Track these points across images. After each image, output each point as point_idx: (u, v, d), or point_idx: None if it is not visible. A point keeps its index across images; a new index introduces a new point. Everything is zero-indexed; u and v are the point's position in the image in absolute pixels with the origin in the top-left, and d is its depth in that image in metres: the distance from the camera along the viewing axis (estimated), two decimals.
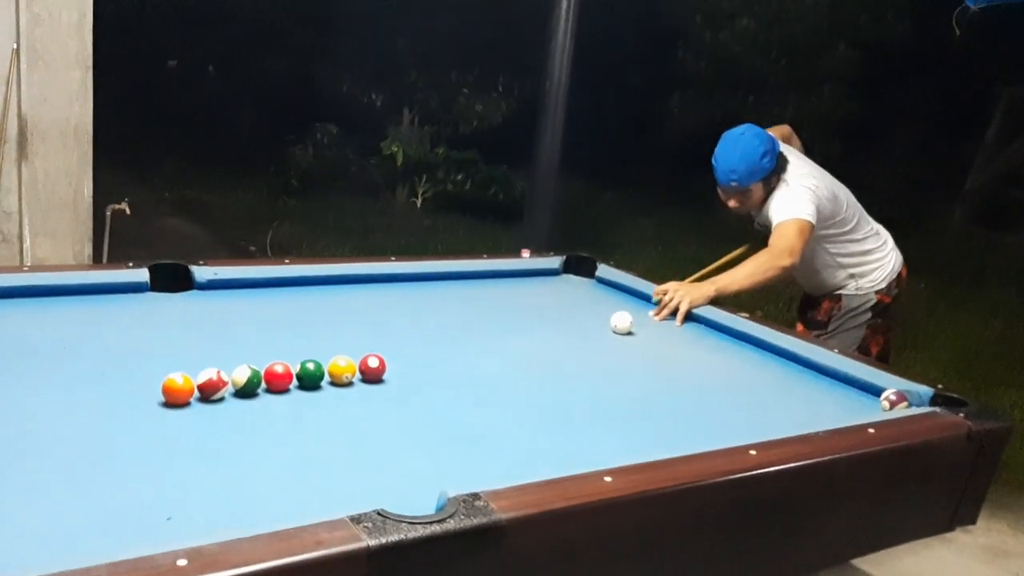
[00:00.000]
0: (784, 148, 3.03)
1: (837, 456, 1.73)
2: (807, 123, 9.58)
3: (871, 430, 1.83)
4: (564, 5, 5.52)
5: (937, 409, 2.02)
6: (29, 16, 4.06)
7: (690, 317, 2.72)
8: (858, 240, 3.10)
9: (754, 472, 1.63)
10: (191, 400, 1.79)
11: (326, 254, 6.70)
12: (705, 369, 2.40)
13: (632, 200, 9.71)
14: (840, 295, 3.09)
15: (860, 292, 3.07)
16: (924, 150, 10.44)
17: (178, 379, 1.78)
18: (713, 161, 2.97)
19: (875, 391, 2.20)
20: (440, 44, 8.20)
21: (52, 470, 1.49)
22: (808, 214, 2.85)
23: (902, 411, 2.05)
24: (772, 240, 2.84)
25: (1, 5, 4.00)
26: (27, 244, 4.27)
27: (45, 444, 1.58)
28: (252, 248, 6.82)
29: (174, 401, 1.77)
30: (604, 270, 3.12)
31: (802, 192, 2.91)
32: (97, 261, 4.55)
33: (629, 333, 2.56)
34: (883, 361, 2.84)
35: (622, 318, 2.57)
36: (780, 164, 2.94)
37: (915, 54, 9.62)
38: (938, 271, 7.86)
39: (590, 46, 6.49)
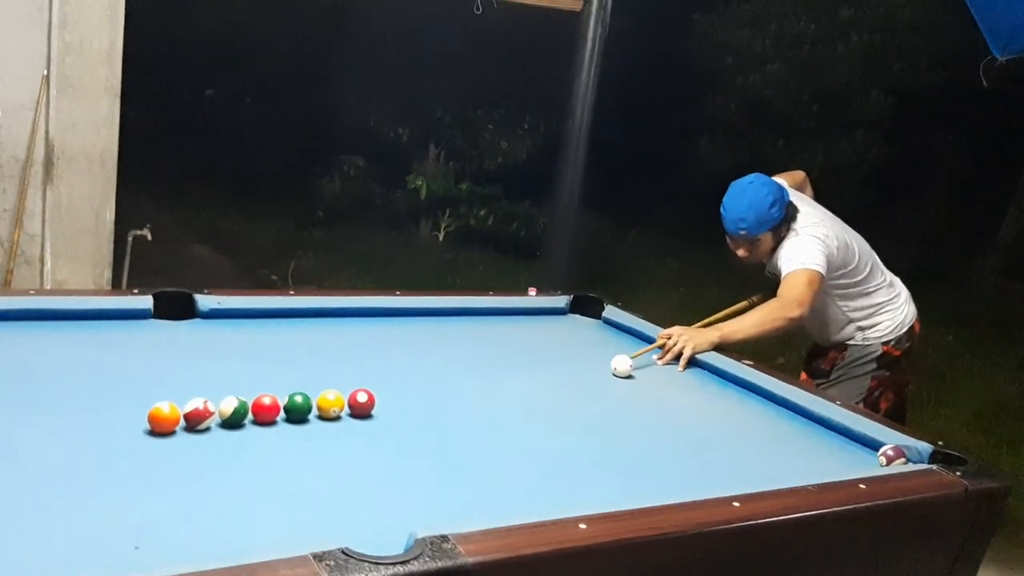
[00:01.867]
0: (795, 196, 3.02)
1: (824, 511, 1.69)
2: (838, 169, 9.59)
3: (862, 485, 1.79)
4: (588, 46, 5.55)
5: (934, 466, 1.98)
6: (61, 43, 4.16)
7: (695, 363, 2.69)
8: (870, 292, 3.06)
9: (736, 524, 1.60)
10: (176, 429, 1.79)
11: (347, 285, 6.74)
12: (704, 416, 2.37)
13: (658, 240, 9.69)
14: (847, 344, 3.05)
15: (865, 343, 3.03)
16: (957, 199, 10.34)
17: (164, 408, 1.78)
18: (722, 210, 2.98)
19: (875, 446, 2.16)
20: (467, 81, 8.29)
21: (28, 496, 1.49)
22: (818, 264, 2.83)
23: (899, 467, 2.01)
24: (781, 290, 2.82)
25: (33, 33, 4.10)
26: (48, 267, 4.34)
27: (26, 470, 1.58)
28: (274, 277, 6.88)
29: (159, 430, 1.78)
30: (611, 311, 3.10)
31: (812, 242, 2.88)
32: (116, 286, 4.61)
33: (629, 376, 2.54)
34: (897, 418, 2.79)
35: (622, 361, 2.55)
36: (789, 213, 2.93)
37: (949, 102, 9.56)
38: (966, 322, 7.75)
39: (617, 87, 6.53)
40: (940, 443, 2.10)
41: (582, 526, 1.48)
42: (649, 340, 2.87)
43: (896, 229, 10.23)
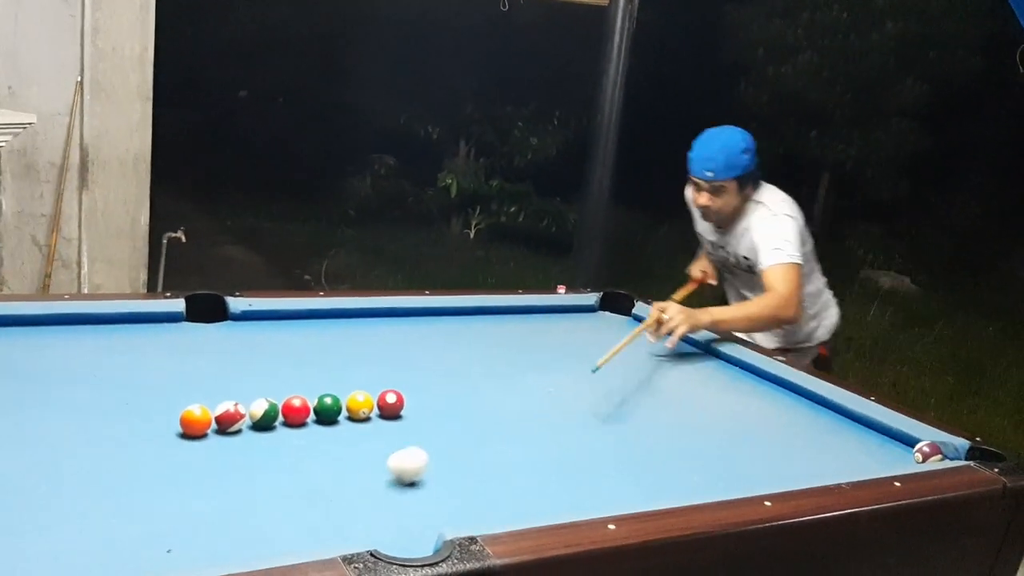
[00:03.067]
0: None
1: (858, 510, 1.67)
2: (874, 160, 9.47)
3: (897, 483, 1.76)
4: (616, 40, 5.53)
5: (971, 463, 1.94)
6: (94, 50, 4.23)
7: (724, 358, 2.67)
8: (815, 278, 2.98)
9: (768, 524, 1.58)
10: (208, 432, 1.81)
11: (378, 284, 6.78)
12: (734, 413, 2.34)
13: (688, 236, 9.60)
14: (788, 348, 2.97)
15: (809, 343, 2.96)
16: (996, 189, 10.16)
17: (196, 410, 1.80)
18: (689, 153, 2.83)
19: (910, 442, 2.12)
20: (496, 78, 8.29)
21: (63, 498, 1.52)
22: (799, 256, 2.72)
23: (935, 464, 1.97)
24: (776, 286, 2.68)
25: (67, 39, 4.17)
26: (85, 270, 4.41)
27: (60, 473, 1.61)
28: (307, 277, 6.93)
29: (191, 432, 1.79)
30: (641, 308, 3.08)
31: (790, 225, 2.77)
32: (152, 288, 4.68)
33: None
34: None
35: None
36: (757, 171, 2.81)
37: (985, 90, 9.40)
38: (1008, 314, 7.62)
39: (646, 80, 6.50)
40: (977, 439, 2.06)
41: (611, 527, 1.46)
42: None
43: (934, 220, 10.09)
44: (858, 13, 9.18)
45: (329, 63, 9.13)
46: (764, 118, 9.76)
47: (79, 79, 4.22)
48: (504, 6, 5.25)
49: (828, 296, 3.09)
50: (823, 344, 2.99)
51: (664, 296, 3.15)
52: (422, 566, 1.29)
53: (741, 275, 3.10)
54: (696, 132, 2.93)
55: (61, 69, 4.19)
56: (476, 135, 8.85)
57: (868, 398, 2.34)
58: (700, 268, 3.37)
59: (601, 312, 3.12)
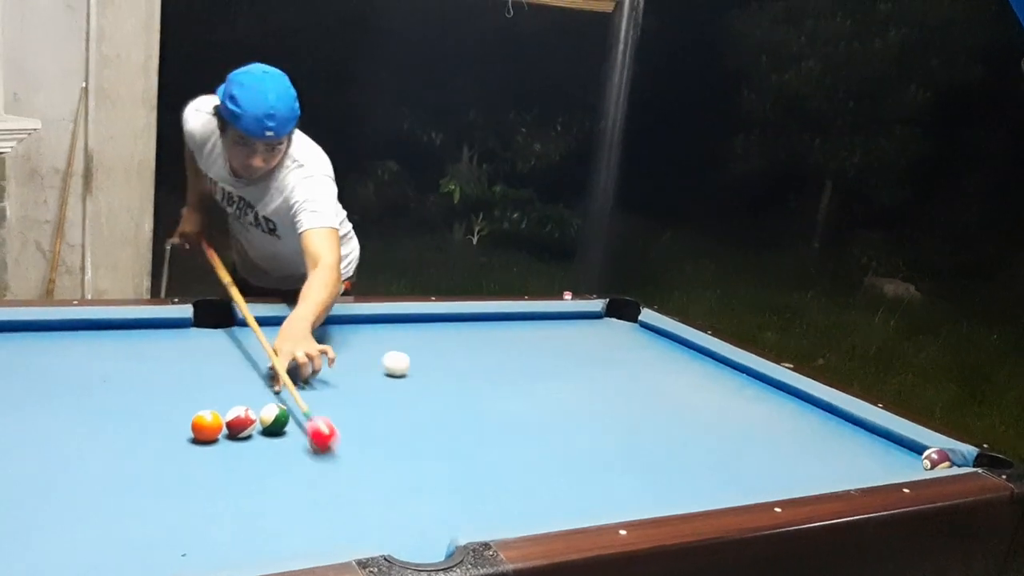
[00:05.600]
0: None
1: (867, 516, 1.67)
2: (876, 166, 9.49)
3: (905, 490, 1.76)
4: (621, 47, 5.55)
5: (979, 470, 1.94)
6: (99, 56, 4.23)
7: (730, 364, 2.67)
8: (344, 222, 2.85)
9: (778, 530, 1.58)
10: (219, 437, 1.81)
11: (381, 290, 6.77)
12: (741, 419, 2.35)
13: (693, 241, 9.64)
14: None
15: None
16: (997, 196, 10.17)
17: (207, 416, 1.80)
18: (234, 108, 2.37)
19: (918, 449, 2.13)
20: (500, 84, 8.31)
21: (76, 503, 1.52)
22: (338, 220, 2.58)
23: (943, 471, 1.97)
24: (324, 255, 2.41)
25: (72, 45, 4.18)
26: (89, 276, 4.41)
27: (72, 478, 1.61)
28: None
29: (202, 438, 1.80)
30: (647, 315, 3.09)
31: (330, 188, 2.57)
32: (155, 295, 4.68)
33: (403, 375, 2.29)
34: None
35: (397, 360, 2.29)
36: None
37: (987, 97, 9.41)
38: (1013, 321, 7.61)
39: (650, 87, 6.51)
40: (985, 445, 2.07)
41: (623, 532, 1.47)
42: (686, 343, 2.85)
43: (936, 226, 10.10)
44: (861, 21, 9.21)
45: (333, 69, 9.14)
46: (767, 125, 9.80)
47: (84, 85, 4.22)
48: (509, 13, 5.27)
49: (350, 230, 2.93)
50: (348, 279, 2.86)
51: (670, 304, 3.15)
52: (436, 571, 1.30)
53: (254, 232, 2.75)
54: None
55: (66, 75, 4.20)
56: (479, 141, 8.87)
57: (876, 405, 2.34)
58: (194, 225, 3.05)
59: (607, 318, 3.12)
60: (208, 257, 2.89)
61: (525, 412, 2.19)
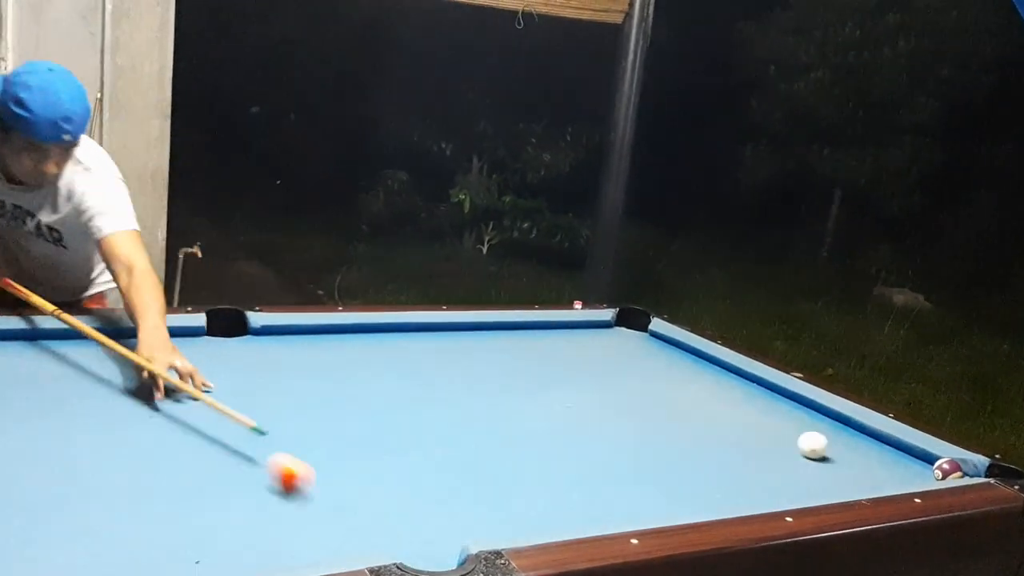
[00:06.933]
0: None
1: (878, 526, 1.67)
2: (887, 176, 9.47)
3: (917, 500, 1.76)
4: (630, 58, 5.56)
5: (991, 480, 1.94)
6: (113, 67, 4.27)
7: (739, 374, 2.67)
8: None
9: (789, 540, 1.59)
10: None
11: (391, 300, 6.80)
12: (751, 429, 2.35)
13: (702, 250, 9.64)
14: (105, 292, 2.73)
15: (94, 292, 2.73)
16: (1009, 206, 10.13)
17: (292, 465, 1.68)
18: (23, 113, 2.19)
19: (929, 459, 2.12)
20: (510, 94, 8.33)
21: (91, 509, 1.54)
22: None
23: (955, 481, 1.97)
24: (135, 259, 2.35)
25: (87, 56, 4.21)
26: None
27: (87, 485, 1.63)
28: (321, 292, 6.95)
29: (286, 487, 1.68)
30: (657, 324, 3.09)
31: (124, 191, 2.48)
32: (168, 303, 4.69)
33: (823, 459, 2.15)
34: None
35: (812, 440, 2.15)
36: None
37: (999, 106, 9.39)
38: (1022, 331, 7.58)
39: (659, 97, 6.52)
40: (997, 456, 2.07)
41: (634, 541, 1.47)
42: (696, 353, 2.85)
43: (946, 236, 10.07)
44: (870, 31, 9.21)
45: (344, 80, 9.19)
46: (776, 135, 9.80)
47: (99, 96, 4.26)
48: (519, 24, 5.29)
49: None
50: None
51: (679, 313, 3.13)
52: None
53: (34, 242, 2.55)
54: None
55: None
56: (489, 151, 8.88)
57: (887, 415, 2.34)
58: None
59: (617, 328, 3.13)
60: (12, 291, 2.44)
61: (536, 421, 2.21)
